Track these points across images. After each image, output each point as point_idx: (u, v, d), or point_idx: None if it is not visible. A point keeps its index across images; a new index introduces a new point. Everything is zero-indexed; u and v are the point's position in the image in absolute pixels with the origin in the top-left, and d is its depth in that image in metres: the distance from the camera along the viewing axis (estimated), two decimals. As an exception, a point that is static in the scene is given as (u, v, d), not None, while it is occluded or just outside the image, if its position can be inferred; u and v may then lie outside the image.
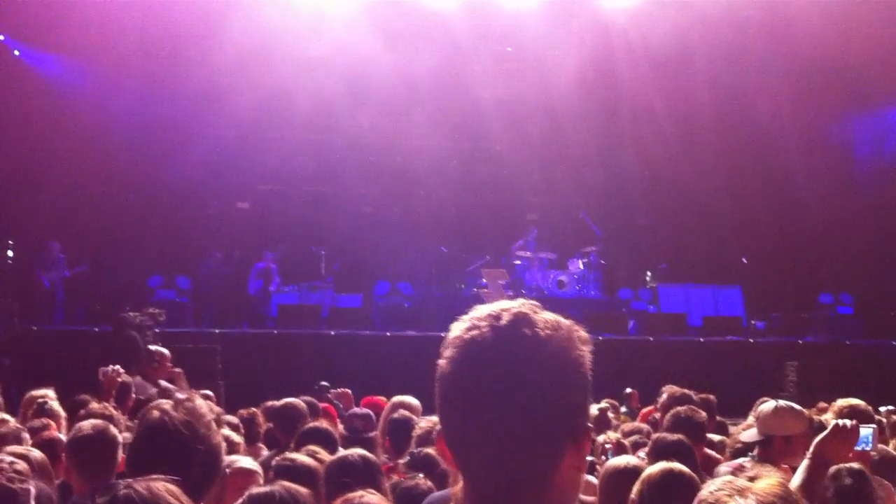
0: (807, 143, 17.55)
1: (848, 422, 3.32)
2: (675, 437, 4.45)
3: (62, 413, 5.53)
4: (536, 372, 1.39)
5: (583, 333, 1.46)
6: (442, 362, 1.44)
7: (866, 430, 3.48)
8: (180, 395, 2.65)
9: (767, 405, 4.51)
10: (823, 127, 17.88)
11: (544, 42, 16.39)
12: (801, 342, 14.83)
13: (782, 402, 4.54)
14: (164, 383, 7.21)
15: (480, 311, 1.45)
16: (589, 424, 1.46)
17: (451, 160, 18.10)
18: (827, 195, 17.25)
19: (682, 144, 17.84)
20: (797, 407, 4.54)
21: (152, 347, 7.66)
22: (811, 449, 3.31)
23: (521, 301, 1.47)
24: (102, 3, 14.47)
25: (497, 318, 1.42)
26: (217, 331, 13.53)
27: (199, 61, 15.14)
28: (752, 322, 16.40)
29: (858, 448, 3.41)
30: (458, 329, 1.44)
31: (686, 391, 6.54)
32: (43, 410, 5.39)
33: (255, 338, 14.12)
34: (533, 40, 16.37)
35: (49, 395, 5.67)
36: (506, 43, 17.10)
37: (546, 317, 1.44)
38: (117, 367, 6.31)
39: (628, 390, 10.04)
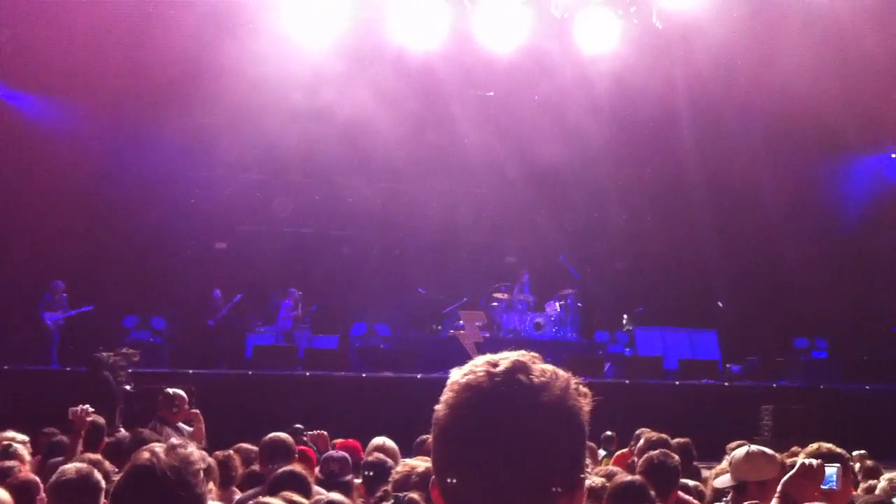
0: (782, 190, 17.78)
1: (814, 461, 3.37)
2: (629, 478, 4.43)
3: (27, 457, 5.46)
4: (530, 419, 1.38)
5: (581, 387, 1.45)
6: (438, 407, 1.43)
7: (831, 469, 3.53)
8: (175, 440, 2.63)
9: (740, 451, 4.51)
10: (798, 175, 18.14)
11: (526, 89, 16.59)
12: (776, 386, 14.91)
13: (754, 448, 4.54)
14: (181, 425, 7.18)
15: (480, 358, 1.46)
16: (583, 476, 1.44)
17: (431, 202, 18.17)
18: (802, 240, 17.45)
19: (661, 190, 18.05)
20: (769, 451, 4.55)
21: (170, 391, 7.41)
22: (778, 489, 3.34)
23: (521, 351, 1.47)
24: (82, 44, 14.47)
25: (494, 364, 1.43)
26: (191, 371, 13.39)
27: (182, 104, 15.15)
28: (728, 366, 16.47)
29: (825, 487, 3.45)
30: (456, 374, 1.45)
31: (662, 435, 6.54)
32: (6, 454, 5.31)
33: (229, 379, 13.98)
34: (516, 87, 16.57)
35: (14, 437, 5.60)
36: (488, 88, 17.28)
37: (544, 367, 1.44)
38: (86, 406, 6.24)
39: (608, 433, 9.79)
